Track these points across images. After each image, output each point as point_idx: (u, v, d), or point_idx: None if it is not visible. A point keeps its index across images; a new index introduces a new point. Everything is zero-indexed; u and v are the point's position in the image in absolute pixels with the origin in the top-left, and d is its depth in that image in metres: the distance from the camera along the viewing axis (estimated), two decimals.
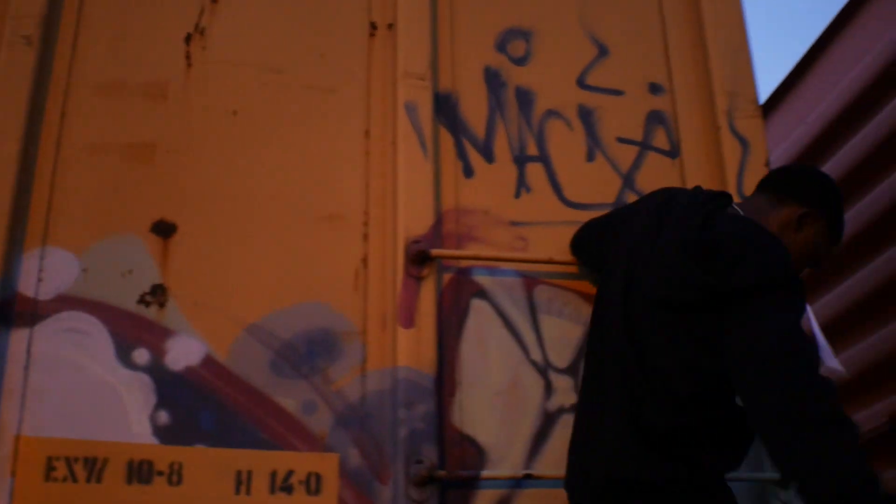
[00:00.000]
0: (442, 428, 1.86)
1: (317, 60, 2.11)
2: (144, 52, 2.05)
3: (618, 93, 2.23)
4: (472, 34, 2.20)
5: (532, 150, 2.14)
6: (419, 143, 2.03)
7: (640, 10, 2.30)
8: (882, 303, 3.05)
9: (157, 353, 1.85)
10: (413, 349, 1.88)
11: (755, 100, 2.22)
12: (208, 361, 1.86)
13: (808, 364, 1.37)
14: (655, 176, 2.17)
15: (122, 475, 1.76)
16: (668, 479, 1.46)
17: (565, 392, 1.95)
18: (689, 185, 2.16)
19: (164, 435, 1.80)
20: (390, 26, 2.15)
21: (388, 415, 1.85)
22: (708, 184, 2.13)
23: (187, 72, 2.06)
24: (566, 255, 2.01)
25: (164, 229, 1.93)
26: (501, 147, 2.13)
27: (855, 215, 3.13)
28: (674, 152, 2.20)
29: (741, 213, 1.65)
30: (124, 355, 1.84)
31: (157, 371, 1.84)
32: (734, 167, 2.15)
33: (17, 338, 1.81)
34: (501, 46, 2.22)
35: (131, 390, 1.82)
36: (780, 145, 3.83)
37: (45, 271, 1.86)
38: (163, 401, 1.82)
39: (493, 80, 2.18)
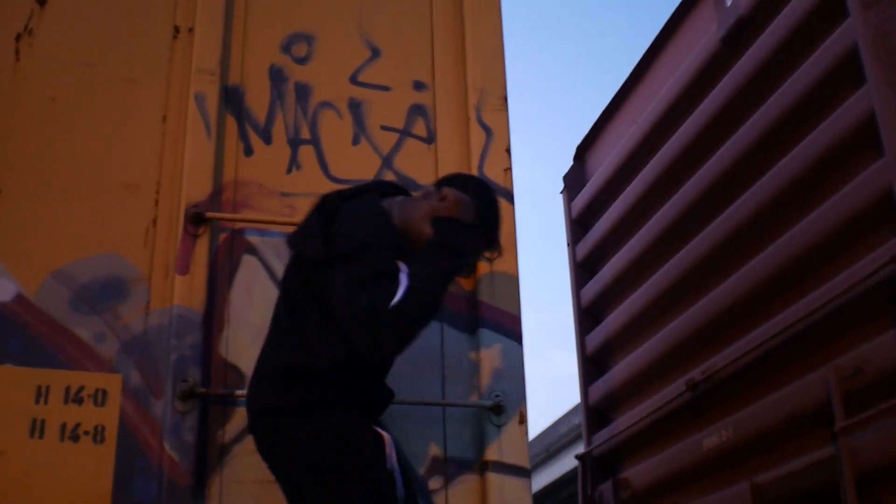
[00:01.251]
0: (209, 355, 2.74)
1: (125, 57, 3.01)
2: None
3: (385, 88, 3.15)
4: (261, 37, 3.12)
5: (305, 134, 3.04)
6: (205, 127, 2.92)
7: (412, 18, 3.23)
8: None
9: None
10: (186, 292, 2.75)
11: (503, 96, 3.15)
12: (19, 298, 2.71)
13: None
14: (412, 158, 3.08)
15: None
16: (289, 405, 2.27)
17: None
18: (442, 165, 3.09)
19: None
20: (190, 30, 3.06)
21: (164, 344, 2.73)
22: (457, 164, 3.07)
23: (16, 66, 2.96)
24: None
25: None
26: (279, 132, 3.03)
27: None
28: (430, 139, 3.12)
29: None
30: None
31: None
32: (478, 151, 3.08)
33: None
34: (286, 48, 3.14)
35: None
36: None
37: None
38: None
39: (276, 76, 3.10)
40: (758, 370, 3.84)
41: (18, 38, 2.98)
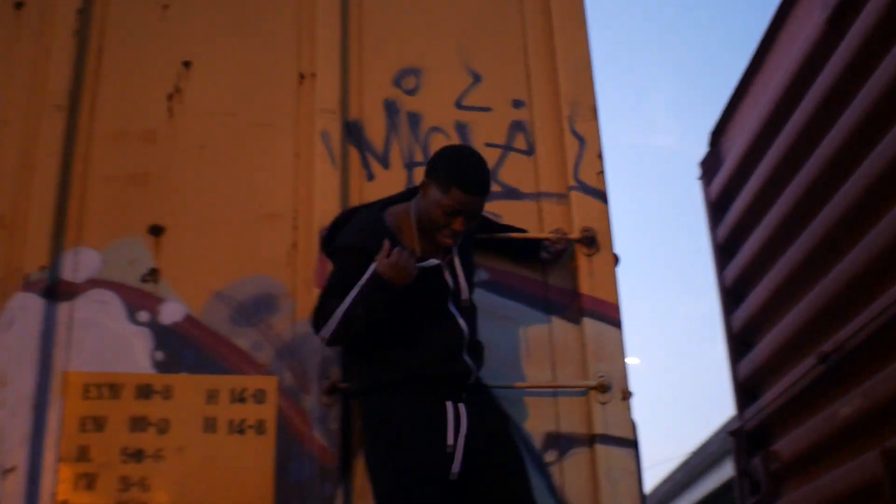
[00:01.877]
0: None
1: (260, 105, 3.79)
2: (139, 108, 3.81)
3: (487, 109, 3.81)
4: (375, 76, 3.84)
5: (418, 157, 3.73)
6: (330, 159, 3.67)
7: (507, 42, 3.88)
8: None
9: (154, 313, 3.53)
10: None
11: (592, 106, 3.75)
12: (188, 318, 3.51)
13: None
14: (515, 170, 3.73)
15: (131, 393, 3.45)
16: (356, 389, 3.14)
17: None
18: (541, 173, 3.73)
19: (160, 367, 3.47)
20: (313, 75, 3.82)
21: (309, 348, 3.47)
22: (554, 171, 3.71)
23: (169, 121, 3.80)
24: None
25: (156, 230, 3.63)
26: (395, 157, 3.73)
27: None
28: (530, 151, 3.75)
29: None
30: (132, 316, 3.53)
31: (154, 326, 3.52)
32: (573, 159, 3.70)
33: (63, 308, 3.55)
34: (398, 82, 3.85)
35: (137, 338, 3.52)
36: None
37: (79, 263, 3.61)
38: (158, 345, 3.50)
39: (390, 108, 3.82)
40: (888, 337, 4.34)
41: (170, 97, 3.82)
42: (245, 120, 3.79)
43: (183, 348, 3.48)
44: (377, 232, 3.05)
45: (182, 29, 3.93)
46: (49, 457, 3.33)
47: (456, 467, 2.93)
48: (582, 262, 3.55)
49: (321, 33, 3.86)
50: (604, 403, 3.38)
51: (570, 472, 3.35)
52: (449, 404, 2.99)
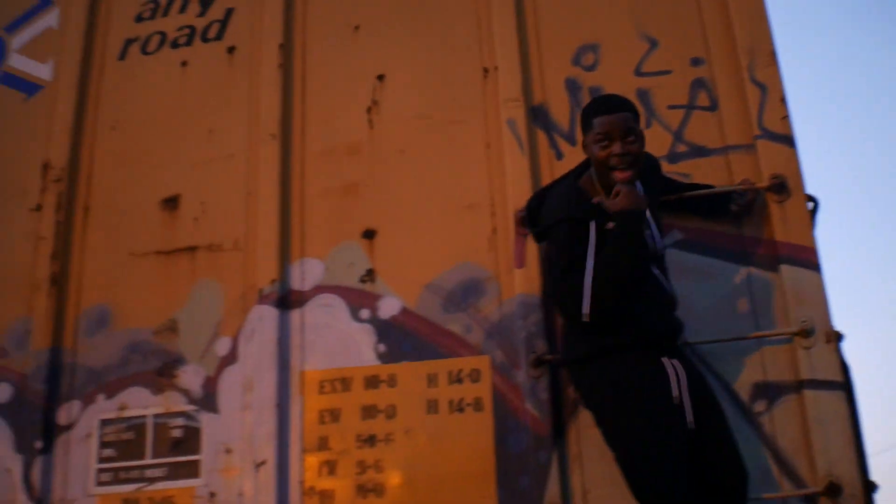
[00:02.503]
0: (551, 329, 3.91)
1: (450, 104, 4.35)
2: (342, 124, 4.50)
3: (667, 73, 4.14)
4: (554, 59, 4.28)
5: None
6: (518, 145, 4.16)
7: (680, 4, 4.21)
8: None
9: (373, 310, 4.17)
10: (525, 281, 3.97)
11: (771, 51, 3.98)
12: (404, 310, 4.12)
13: None
14: (699, 128, 4.03)
15: (361, 385, 4.10)
16: (582, 355, 3.39)
17: None
18: (727, 127, 4.02)
19: (383, 358, 4.10)
20: (496, 68, 4.35)
21: (515, 326, 3.97)
22: (738, 124, 3.98)
23: (370, 132, 4.45)
24: None
25: (369, 234, 4.28)
26: (580, 134, 4.18)
27: None
28: (713, 107, 4.04)
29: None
30: (355, 314, 4.19)
31: (374, 321, 4.16)
32: (755, 108, 3.95)
33: (295, 314, 4.28)
34: (576, 61, 4.28)
35: (361, 334, 4.17)
36: None
37: (305, 273, 4.32)
38: (380, 338, 4.14)
39: (571, 86, 4.25)
40: None
41: (369, 109, 4.47)
42: (438, 120, 4.36)
43: (402, 339, 4.09)
44: (581, 199, 3.42)
45: (373, 45, 4.58)
46: (294, 449, 4.05)
47: (689, 417, 3.28)
48: (773, 209, 3.82)
49: (498, 27, 4.38)
50: (808, 348, 3.64)
51: (779, 420, 3.63)
52: (665, 360, 3.32)
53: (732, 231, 3.88)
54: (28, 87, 5.03)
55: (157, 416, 4.30)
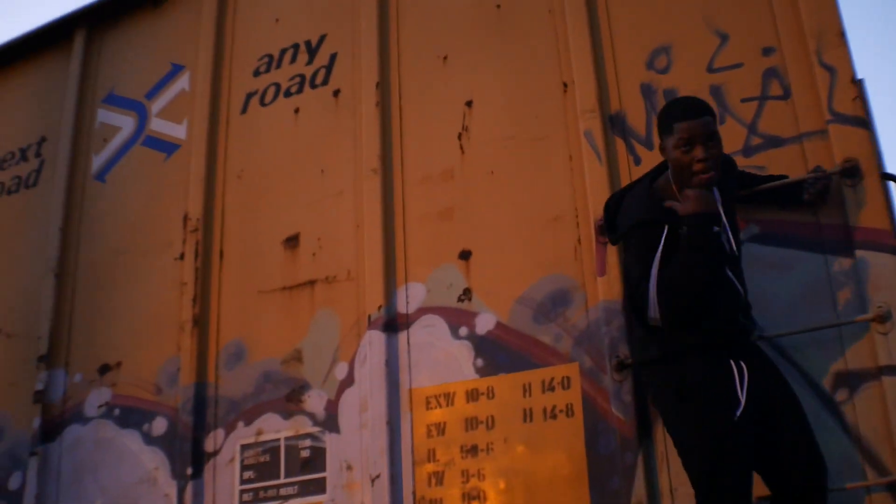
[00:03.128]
0: (630, 333, 3.96)
1: (533, 121, 4.47)
2: (437, 152, 4.69)
3: (739, 66, 4.10)
4: (629, 65, 4.32)
5: None
6: (596, 157, 4.23)
7: None
8: None
9: (470, 327, 4.34)
10: (608, 288, 4.03)
11: (839, 31, 3.88)
12: (498, 325, 4.27)
13: None
14: (773, 118, 3.98)
15: (463, 399, 4.26)
16: (651, 359, 3.41)
17: None
18: (800, 115, 3.94)
19: (482, 372, 4.25)
20: (573, 82, 4.43)
21: (600, 332, 4.02)
22: (812, 110, 3.90)
23: (462, 157, 4.62)
24: None
25: (465, 255, 4.45)
26: (656, 139, 4.20)
27: None
28: (786, 95, 3.97)
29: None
30: (454, 333, 4.36)
31: (472, 338, 4.32)
32: (825, 92, 3.86)
33: (402, 336, 4.49)
34: (650, 64, 4.30)
35: (461, 351, 4.33)
36: None
37: (409, 296, 4.53)
38: (478, 353, 4.29)
39: (646, 91, 4.27)
40: None
41: (459, 136, 4.65)
42: (523, 138, 4.49)
43: (498, 352, 4.24)
44: (657, 201, 3.43)
45: (461, 73, 4.77)
46: (406, 462, 4.27)
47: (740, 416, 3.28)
48: (847, 194, 3.72)
49: (574, 39, 4.48)
50: (884, 334, 3.53)
51: (861, 408, 3.54)
52: (732, 362, 3.30)
53: (808, 220, 3.82)
54: (167, 147, 5.50)
55: (287, 438, 4.61)
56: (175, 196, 5.35)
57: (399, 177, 4.74)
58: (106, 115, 5.88)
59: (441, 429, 4.27)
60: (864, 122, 3.79)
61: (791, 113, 3.98)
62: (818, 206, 3.80)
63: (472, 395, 4.24)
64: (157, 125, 5.61)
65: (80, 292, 5.57)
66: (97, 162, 5.80)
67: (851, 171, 3.73)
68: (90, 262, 5.60)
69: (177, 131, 5.50)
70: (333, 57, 5.16)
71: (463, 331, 4.35)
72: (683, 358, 3.33)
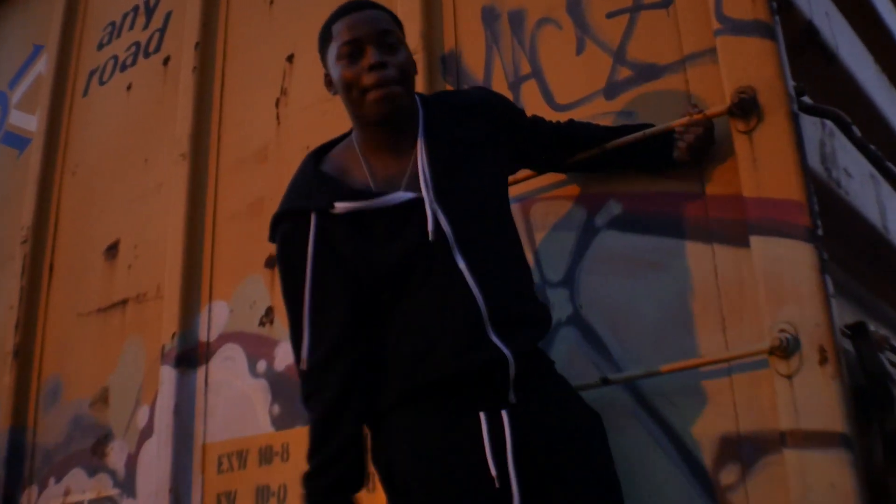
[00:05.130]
0: None
1: None
2: (252, 127, 3.22)
3: None
4: None
5: (525, 68, 2.53)
6: None
7: None
8: None
9: (269, 360, 2.85)
10: None
11: None
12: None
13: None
14: (647, 37, 2.32)
15: (255, 458, 2.79)
16: None
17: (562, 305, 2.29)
18: (684, 30, 2.29)
19: (277, 422, 2.76)
20: (401, 16, 2.87)
21: None
22: (698, 19, 2.25)
23: (277, 130, 3.14)
24: None
25: (271, 263, 2.96)
26: (498, 79, 2.57)
27: None
28: (665, 1, 2.33)
29: None
30: (252, 368, 2.89)
31: (270, 375, 2.84)
32: None
33: (200, 373, 3.04)
34: None
35: (257, 393, 2.86)
36: None
37: (212, 320, 3.08)
38: (275, 397, 2.81)
39: (487, 16, 2.67)
40: None
41: (277, 102, 3.15)
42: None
43: (296, 396, 2.75)
44: (309, 187, 1.93)
45: (286, 19, 3.27)
46: None
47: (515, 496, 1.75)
48: (740, 145, 2.06)
49: None
50: (788, 377, 1.87)
51: (758, 497, 1.89)
52: (482, 415, 1.79)
53: (689, 190, 2.17)
54: (20, 142, 4.21)
55: (91, 502, 3.24)
56: (20, 200, 4.04)
57: (214, 162, 3.28)
58: None
59: (231, 499, 2.81)
60: (766, 28, 2.11)
61: (673, 28, 2.32)
62: (693, 166, 2.16)
63: (265, 455, 2.76)
64: (15, 118, 4.30)
65: None
66: None
67: (745, 108, 2.06)
68: None
69: (30, 123, 4.19)
70: (168, 16, 3.72)
71: (261, 365, 2.87)
72: (389, 416, 1.85)
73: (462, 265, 1.82)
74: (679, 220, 2.16)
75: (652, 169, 2.21)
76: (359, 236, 1.84)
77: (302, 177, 1.96)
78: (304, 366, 1.83)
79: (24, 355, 3.66)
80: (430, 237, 1.82)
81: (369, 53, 1.86)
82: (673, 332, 2.10)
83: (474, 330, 1.80)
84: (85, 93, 3.95)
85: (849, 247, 2.52)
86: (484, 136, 1.98)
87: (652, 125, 2.19)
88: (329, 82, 1.98)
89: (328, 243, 1.84)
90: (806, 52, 2.58)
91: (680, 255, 2.14)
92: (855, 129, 2.27)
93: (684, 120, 2.12)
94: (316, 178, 1.91)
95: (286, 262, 1.89)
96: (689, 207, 2.16)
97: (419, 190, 1.85)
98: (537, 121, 2.20)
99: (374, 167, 1.92)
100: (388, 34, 1.89)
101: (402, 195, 1.85)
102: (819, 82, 2.65)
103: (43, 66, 4.20)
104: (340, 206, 1.84)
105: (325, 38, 1.97)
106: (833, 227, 2.35)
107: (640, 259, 2.19)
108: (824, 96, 2.67)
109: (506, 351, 1.79)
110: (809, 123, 2.28)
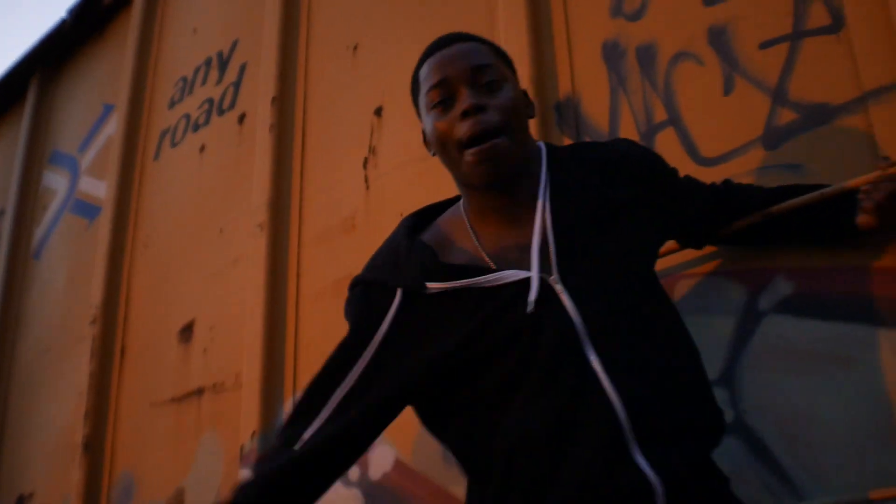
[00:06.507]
0: None
1: None
2: (337, 192, 2.90)
3: None
4: (588, 20, 2.37)
5: (660, 115, 2.15)
6: None
7: None
8: None
9: (363, 468, 2.51)
10: None
11: None
12: (398, 464, 2.43)
13: None
14: (815, 68, 1.92)
15: None
16: None
17: None
18: (860, 54, 1.87)
19: None
20: None
21: None
22: (882, 40, 1.83)
23: (366, 195, 2.81)
24: None
25: None
26: (627, 129, 2.19)
27: None
28: (835, 25, 1.92)
29: None
30: (344, 476, 2.56)
31: (364, 484, 2.49)
32: None
33: None
34: (617, 9, 2.33)
35: (349, 503, 2.51)
36: None
37: None
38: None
39: (610, 53, 2.31)
40: None
41: (365, 162, 2.83)
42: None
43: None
44: (399, 256, 1.61)
45: (371, 67, 2.94)
46: None
47: None
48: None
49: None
50: None
51: None
52: None
53: (871, 264, 1.75)
54: (90, 211, 3.98)
55: None
56: (89, 275, 3.79)
57: (295, 232, 2.95)
58: (48, 177, 4.42)
59: None
60: None
61: (847, 56, 1.91)
62: (886, 233, 1.73)
63: None
64: (85, 184, 4.09)
65: (12, 403, 4.11)
66: (37, 235, 4.35)
67: None
68: (23, 363, 4.14)
69: (101, 190, 3.96)
70: (242, 69, 3.44)
71: (354, 473, 2.52)
72: None
73: (595, 363, 1.43)
74: (871, 303, 1.74)
75: (830, 239, 1.79)
76: (459, 321, 1.50)
77: (391, 244, 1.63)
78: (298, 444, 1.52)
79: (94, 449, 3.39)
80: (529, 308, 1.45)
81: (462, 97, 1.52)
82: (870, 445, 1.68)
83: (611, 449, 1.40)
84: (156, 156, 3.70)
85: None
86: (630, 198, 1.59)
87: (827, 184, 1.78)
88: (426, 139, 1.63)
89: (408, 328, 1.54)
90: None
91: (873, 347, 1.71)
92: None
93: (871, 175, 1.70)
94: (410, 248, 1.58)
95: (352, 323, 1.61)
96: (884, 286, 1.73)
97: (543, 267, 1.49)
98: (694, 183, 1.80)
99: (482, 237, 1.58)
100: (484, 70, 1.55)
101: (515, 273, 1.49)
102: None
103: (113, 127, 3.97)
104: (434, 286, 1.52)
105: (415, 85, 1.66)
106: None
107: (822, 352, 1.77)
108: None
109: (651, 476, 1.39)
110: None
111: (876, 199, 1.66)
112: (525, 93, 1.64)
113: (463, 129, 1.50)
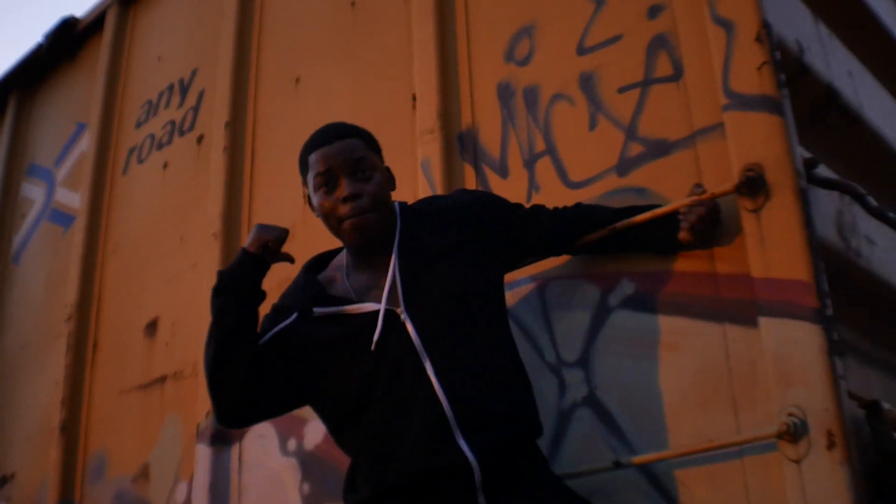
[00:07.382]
0: None
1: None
2: (281, 205, 3.31)
3: (616, 39, 2.49)
4: (486, 61, 2.79)
5: (539, 146, 2.58)
6: (432, 191, 2.74)
7: None
8: None
9: (299, 438, 2.92)
10: None
11: None
12: (327, 438, 2.84)
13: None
14: (658, 111, 2.35)
15: None
16: None
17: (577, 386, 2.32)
18: (693, 102, 2.31)
19: (308, 501, 2.83)
20: (418, 94, 2.93)
21: None
22: (706, 90, 2.27)
23: (304, 208, 3.22)
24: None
25: None
26: (514, 157, 2.63)
27: None
28: (676, 75, 2.35)
29: None
30: (283, 446, 2.97)
31: (300, 453, 2.91)
32: (720, 59, 2.22)
33: (234, 451, 3.12)
34: (510, 55, 2.75)
35: (287, 472, 2.93)
36: None
37: None
38: (305, 476, 2.87)
39: (503, 93, 2.72)
40: None
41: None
42: None
43: (327, 474, 2.81)
44: (298, 289, 2.21)
45: (313, 95, 3.36)
46: None
47: None
48: (748, 224, 2.08)
49: (417, 33, 3.00)
50: (796, 461, 1.87)
51: None
52: None
53: (692, 269, 2.19)
54: (66, 220, 4.37)
55: None
56: (65, 277, 4.19)
57: (245, 241, 3.37)
58: (26, 189, 4.81)
59: None
60: (773, 103, 2.13)
61: (683, 101, 2.35)
62: (699, 247, 2.17)
63: None
64: (60, 195, 4.49)
65: None
66: (16, 242, 4.75)
67: (752, 186, 2.08)
68: (6, 358, 4.52)
69: (75, 201, 4.36)
70: (201, 95, 3.86)
71: (291, 444, 2.94)
72: None
73: (429, 369, 1.95)
74: (691, 300, 2.18)
75: (659, 250, 2.24)
76: (336, 338, 2.05)
77: (296, 279, 2.24)
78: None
79: (70, 431, 3.78)
80: (373, 347, 2.00)
81: (343, 185, 2.04)
82: (686, 413, 2.12)
83: (438, 433, 1.92)
84: (125, 171, 4.11)
85: (876, 315, 2.51)
86: (458, 240, 2.12)
87: (659, 205, 2.22)
88: (311, 205, 2.14)
89: (295, 338, 2.09)
90: (828, 115, 2.60)
91: (692, 336, 2.16)
92: (870, 199, 2.27)
93: (687, 201, 2.15)
94: (307, 282, 2.17)
95: (261, 332, 2.15)
96: (701, 287, 2.18)
97: (391, 301, 2.02)
98: (537, 211, 2.26)
99: (352, 279, 2.13)
100: (360, 162, 2.08)
101: (372, 305, 2.04)
102: (844, 144, 2.66)
103: (86, 143, 4.37)
104: (319, 310, 2.06)
105: (303, 165, 2.17)
106: (855, 297, 2.36)
107: (654, 339, 2.21)
108: (850, 157, 2.68)
109: (470, 456, 1.89)
110: (825, 194, 2.29)
111: (690, 221, 2.11)
112: (388, 169, 2.19)
113: (343, 210, 2.04)
